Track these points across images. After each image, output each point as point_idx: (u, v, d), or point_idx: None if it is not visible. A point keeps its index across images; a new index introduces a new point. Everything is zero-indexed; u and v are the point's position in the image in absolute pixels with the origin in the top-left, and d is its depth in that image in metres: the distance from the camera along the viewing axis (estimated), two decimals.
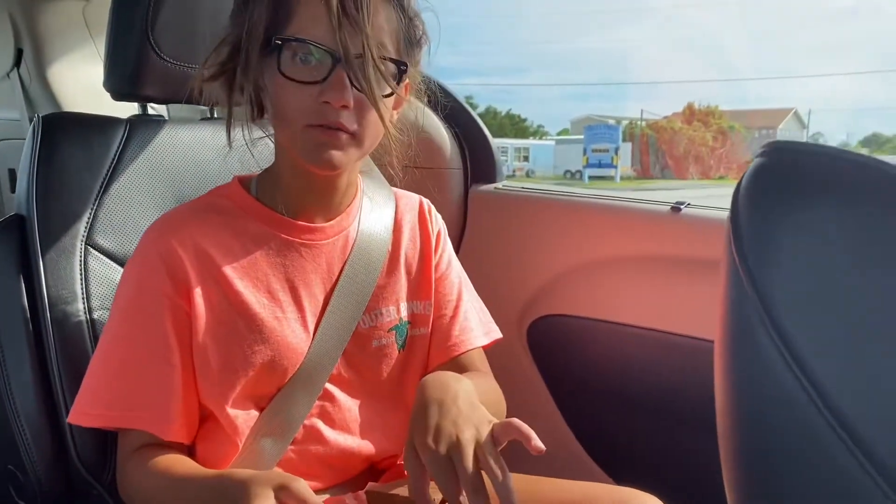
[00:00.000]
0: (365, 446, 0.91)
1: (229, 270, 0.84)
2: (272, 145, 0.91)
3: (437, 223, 1.00)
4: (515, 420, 0.73)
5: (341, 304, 0.88)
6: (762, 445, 0.43)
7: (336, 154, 0.78)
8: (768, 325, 0.40)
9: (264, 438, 0.85)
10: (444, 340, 0.96)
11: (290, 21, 0.77)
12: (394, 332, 0.92)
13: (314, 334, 0.86)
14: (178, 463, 0.82)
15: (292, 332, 0.85)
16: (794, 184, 0.42)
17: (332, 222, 0.90)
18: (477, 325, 0.99)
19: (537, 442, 0.71)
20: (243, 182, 0.90)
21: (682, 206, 1.19)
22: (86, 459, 0.95)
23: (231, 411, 0.84)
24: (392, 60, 0.79)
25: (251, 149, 0.90)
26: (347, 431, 0.90)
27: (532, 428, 0.72)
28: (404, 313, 0.93)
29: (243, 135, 0.88)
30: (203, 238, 0.84)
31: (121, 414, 0.83)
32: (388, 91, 0.78)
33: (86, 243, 1.00)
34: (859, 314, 0.39)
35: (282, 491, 0.69)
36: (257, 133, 0.90)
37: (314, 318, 0.87)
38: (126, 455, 0.84)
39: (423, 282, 0.96)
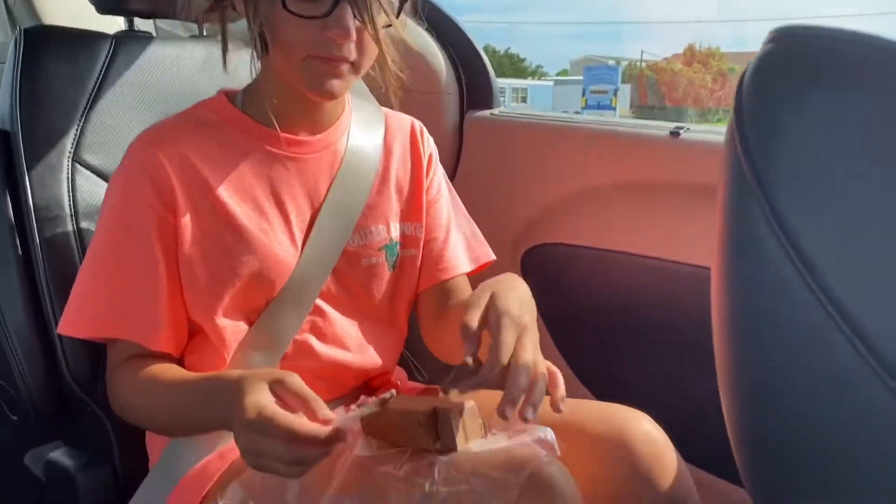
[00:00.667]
0: (357, 361, 0.91)
1: (215, 181, 0.84)
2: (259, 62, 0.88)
3: (430, 146, 1.00)
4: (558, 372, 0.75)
5: (329, 220, 0.87)
6: (761, 342, 0.42)
7: (337, 83, 0.80)
8: (770, 217, 0.39)
9: (253, 352, 0.85)
10: (433, 264, 0.97)
11: None
12: (384, 251, 0.92)
13: (302, 249, 0.86)
14: (167, 370, 0.83)
15: (279, 244, 0.85)
16: (802, 69, 0.40)
17: (318, 136, 0.89)
18: (463, 252, 0.99)
19: (563, 403, 0.74)
20: (228, 96, 0.90)
21: (681, 131, 1.17)
22: (77, 375, 0.95)
23: (220, 322, 0.84)
24: None
25: (252, 69, 0.87)
26: (339, 346, 0.90)
27: None
28: (395, 233, 0.93)
29: (222, 51, 0.86)
30: (189, 149, 0.84)
31: (109, 324, 0.83)
32: (388, 22, 0.80)
33: (73, 160, 0.99)
34: (865, 203, 0.37)
35: (277, 385, 0.69)
36: (247, 52, 0.88)
37: (301, 233, 0.87)
38: (114, 366, 0.85)
39: (414, 204, 0.95)
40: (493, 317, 0.71)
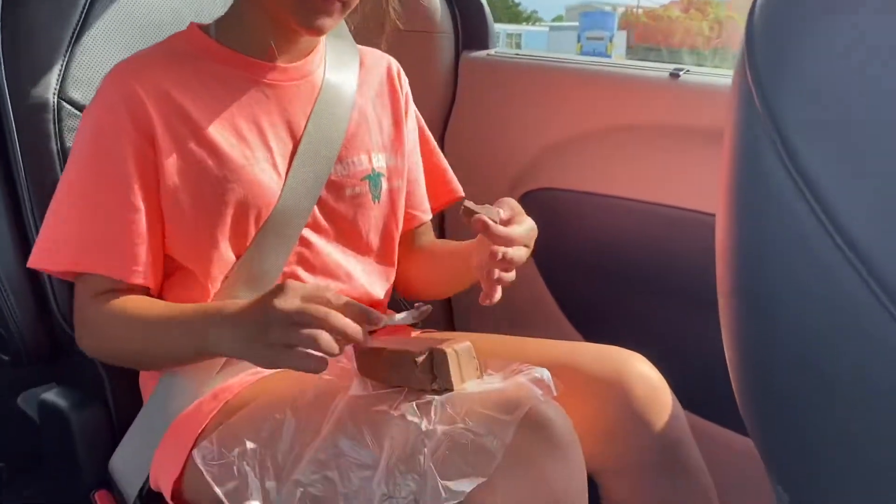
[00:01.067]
0: (347, 291, 0.91)
1: (195, 110, 0.83)
2: None
3: (406, 87, 1.02)
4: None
5: (311, 149, 0.87)
6: (767, 276, 0.41)
7: (327, 21, 0.81)
8: (778, 146, 0.38)
9: (240, 286, 0.84)
10: (412, 207, 1.02)
11: None
12: (367, 181, 0.93)
13: (286, 178, 0.86)
14: (150, 303, 0.82)
15: (262, 171, 0.85)
16: None
17: (295, 64, 0.89)
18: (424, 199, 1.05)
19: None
20: (201, 28, 0.89)
21: (680, 73, 1.15)
22: (68, 315, 0.94)
23: (205, 256, 0.84)
24: None
25: None
26: (328, 277, 0.91)
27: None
28: (377, 164, 0.94)
29: None
30: (165, 80, 0.83)
31: (84, 258, 0.82)
32: None
33: (58, 97, 0.96)
34: (876, 133, 0.36)
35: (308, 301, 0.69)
36: None
37: (285, 161, 0.87)
38: (85, 302, 0.83)
39: (395, 138, 0.98)
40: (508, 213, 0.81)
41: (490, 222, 0.77)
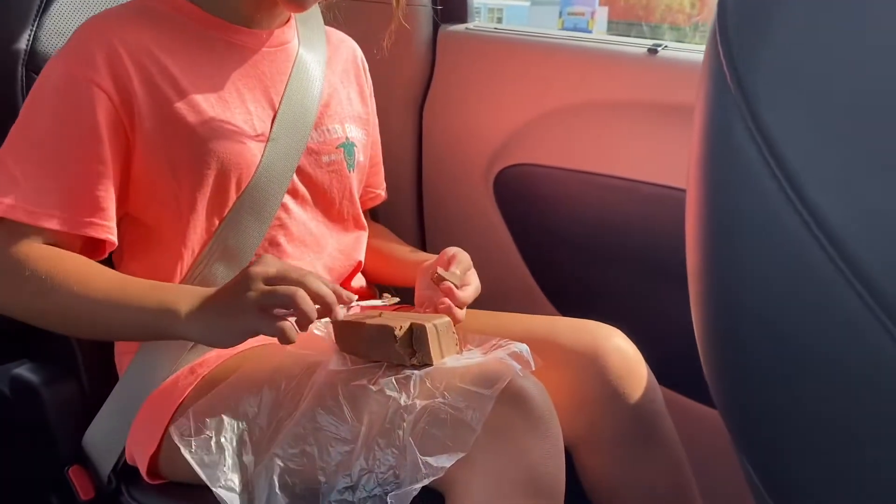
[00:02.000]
0: (324, 261, 0.93)
1: (175, 68, 0.81)
2: None
3: (369, 78, 1.06)
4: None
5: (290, 114, 0.88)
6: (735, 251, 0.42)
7: None
8: (749, 123, 0.38)
9: (218, 258, 0.84)
10: (372, 187, 1.07)
11: None
12: (342, 150, 0.94)
13: (266, 142, 0.85)
14: (98, 266, 0.79)
15: (243, 134, 0.84)
16: None
17: (272, 31, 0.90)
18: (381, 182, 1.11)
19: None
20: None
21: (659, 49, 1.15)
22: None
23: (185, 219, 0.83)
24: None
25: None
26: (307, 245, 0.91)
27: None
28: (350, 133, 0.95)
29: None
30: (144, 36, 0.81)
31: (37, 205, 0.76)
32: None
33: (26, 67, 0.94)
34: (848, 112, 0.36)
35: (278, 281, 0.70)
36: None
37: (264, 126, 0.86)
38: (7, 245, 0.76)
39: (362, 112, 1.00)
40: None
41: (455, 290, 0.85)
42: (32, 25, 0.95)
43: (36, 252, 0.76)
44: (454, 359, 0.75)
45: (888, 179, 0.35)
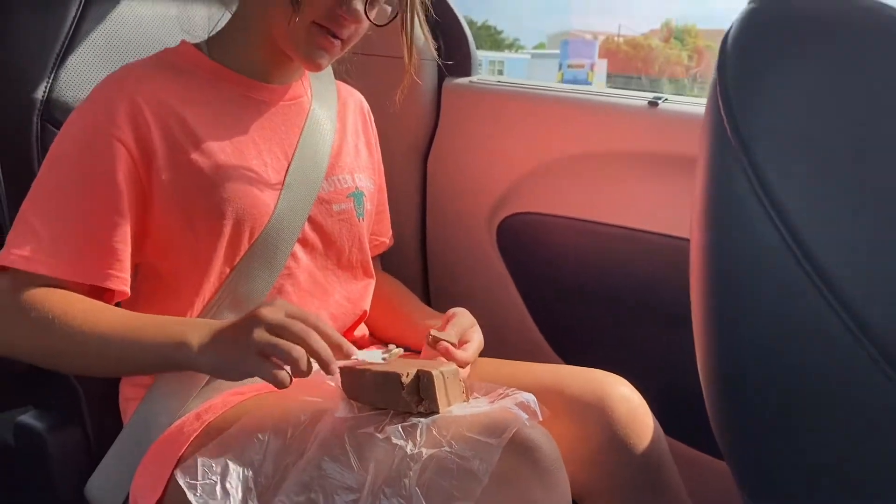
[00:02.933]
0: (332, 310, 0.94)
1: (192, 120, 0.84)
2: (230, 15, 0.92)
3: (373, 124, 1.09)
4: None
5: (302, 165, 0.90)
6: (739, 301, 0.42)
7: (327, 59, 0.87)
8: (752, 178, 0.39)
9: (227, 304, 0.85)
10: (378, 235, 1.09)
11: None
12: (352, 199, 0.96)
13: (280, 192, 0.88)
14: (101, 305, 0.80)
15: (258, 185, 0.86)
16: (786, 29, 0.40)
17: (286, 86, 0.93)
18: (388, 230, 1.13)
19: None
20: (192, 45, 0.91)
21: (659, 101, 1.17)
22: None
23: (198, 268, 0.84)
24: None
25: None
26: (314, 291, 0.92)
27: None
28: (360, 183, 0.98)
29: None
30: (163, 90, 0.84)
31: (58, 260, 0.78)
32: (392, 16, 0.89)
33: (41, 118, 0.96)
34: (842, 163, 0.38)
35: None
36: (214, 9, 0.93)
37: (278, 177, 0.89)
38: (14, 291, 0.78)
39: (369, 164, 1.03)
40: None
41: (452, 349, 0.86)
42: (49, 76, 0.97)
43: (45, 295, 0.78)
44: (461, 407, 0.75)
45: (885, 231, 0.36)
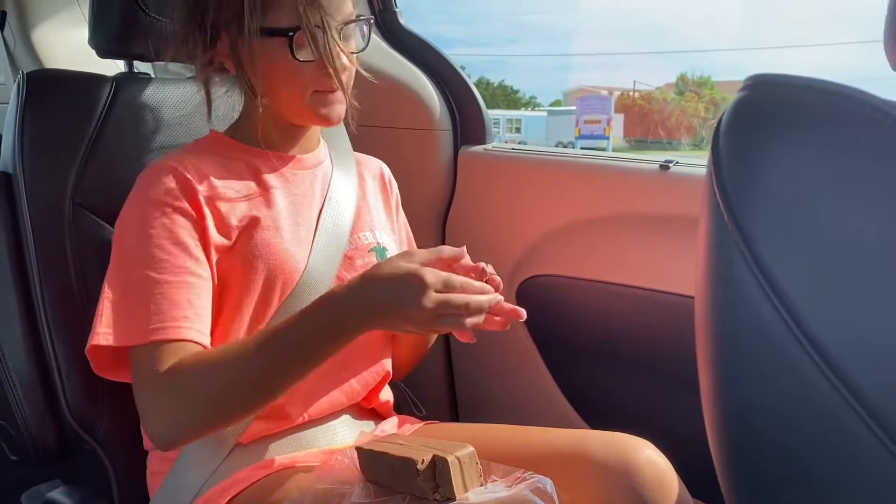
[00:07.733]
0: (358, 366, 0.97)
1: (232, 193, 0.91)
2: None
3: (396, 189, 1.13)
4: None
5: (329, 225, 0.96)
6: (738, 377, 0.43)
7: (339, 108, 0.93)
8: (748, 258, 0.40)
9: None
10: None
11: (280, 7, 0.86)
12: (374, 253, 1.00)
13: (310, 251, 0.93)
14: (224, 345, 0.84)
15: (291, 246, 0.92)
16: (775, 117, 0.42)
17: (307, 156, 1.00)
18: None
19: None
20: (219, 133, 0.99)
21: (670, 165, 1.19)
22: (78, 414, 0.96)
23: (231, 325, 0.88)
24: (361, 18, 0.93)
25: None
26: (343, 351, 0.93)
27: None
28: (380, 238, 1.02)
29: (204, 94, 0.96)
30: (204, 168, 0.91)
31: (158, 327, 0.81)
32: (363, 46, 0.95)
33: (73, 202, 1.00)
34: (838, 247, 0.39)
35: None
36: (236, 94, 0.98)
37: (309, 236, 0.94)
38: (156, 374, 0.80)
39: (389, 225, 1.08)
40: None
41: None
42: (81, 163, 1.01)
43: (183, 361, 0.81)
44: (477, 493, 0.73)
45: (881, 311, 0.37)
